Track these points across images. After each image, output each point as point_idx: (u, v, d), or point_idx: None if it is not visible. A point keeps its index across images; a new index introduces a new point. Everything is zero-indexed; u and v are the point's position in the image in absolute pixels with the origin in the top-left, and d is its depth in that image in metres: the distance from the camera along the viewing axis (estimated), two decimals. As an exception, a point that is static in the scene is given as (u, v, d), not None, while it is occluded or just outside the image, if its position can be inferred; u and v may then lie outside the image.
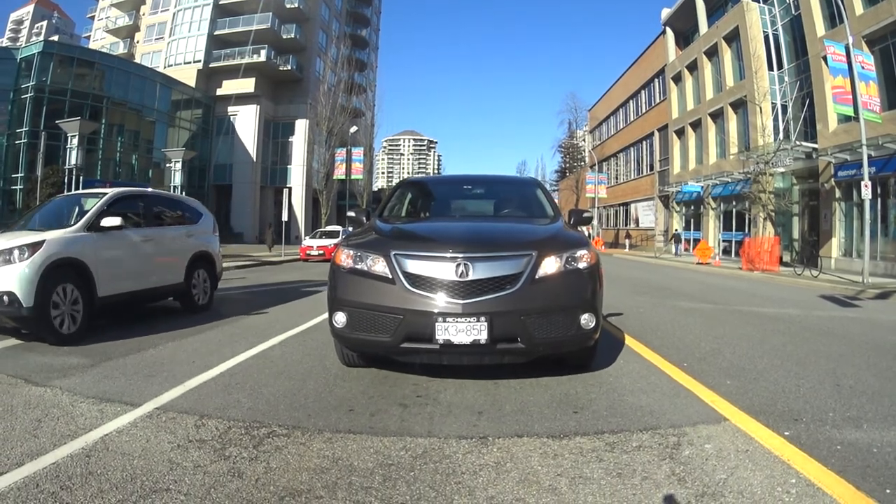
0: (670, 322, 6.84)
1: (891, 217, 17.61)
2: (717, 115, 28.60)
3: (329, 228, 24.07)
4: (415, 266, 3.45)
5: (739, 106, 26.28)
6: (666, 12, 34.74)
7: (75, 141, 14.76)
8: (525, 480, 2.35)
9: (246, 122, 39.78)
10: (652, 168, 38.06)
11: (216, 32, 39.98)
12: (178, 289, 6.80)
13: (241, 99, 38.30)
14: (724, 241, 28.03)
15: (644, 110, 39.89)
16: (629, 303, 8.73)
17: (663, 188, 35.21)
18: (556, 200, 7.95)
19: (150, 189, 7.77)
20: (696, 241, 28.14)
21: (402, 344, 3.37)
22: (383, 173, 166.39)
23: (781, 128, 23.27)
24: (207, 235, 7.61)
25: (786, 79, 23.77)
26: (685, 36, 33.99)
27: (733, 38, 26.72)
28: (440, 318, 3.28)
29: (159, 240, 6.55)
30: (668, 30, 34.83)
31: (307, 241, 21.69)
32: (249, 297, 9.01)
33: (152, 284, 6.30)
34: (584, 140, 62.22)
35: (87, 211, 5.75)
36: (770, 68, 24.25)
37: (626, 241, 37.22)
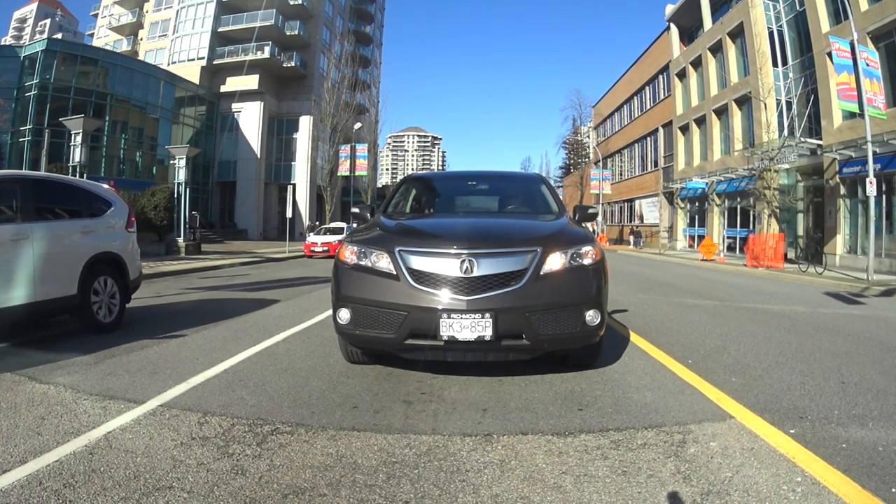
0: (675, 319, 6.82)
1: (896, 214, 17.51)
2: (722, 112, 28.46)
3: (333, 225, 24.07)
4: (419, 262, 3.44)
5: (744, 102, 26.13)
6: (670, 8, 34.54)
7: (79, 138, 14.80)
8: (530, 478, 2.34)
9: (250, 119, 39.75)
10: (656, 164, 37.95)
11: (220, 29, 39.91)
12: (71, 303, 5.16)
13: (245, 96, 38.29)
14: (728, 237, 27.99)
15: (648, 107, 39.73)
16: (634, 299, 8.70)
17: (667, 185, 35.11)
18: (561, 197, 7.93)
19: (32, 172, 6.06)
20: (701, 237, 28.07)
21: (407, 340, 3.36)
22: (387, 170, 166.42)
23: (786, 124, 23.16)
24: (115, 232, 5.95)
25: (790, 75, 23.63)
26: (689, 32, 33.79)
27: (738, 34, 26.56)
28: (444, 315, 3.26)
29: (40, 239, 4.87)
30: (673, 26, 34.63)
31: (311, 238, 21.71)
32: (252, 295, 9.02)
33: (27, 300, 4.66)
34: (588, 136, 62.00)
35: None
36: (774, 64, 24.08)
37: (631, 238, 37.15)
